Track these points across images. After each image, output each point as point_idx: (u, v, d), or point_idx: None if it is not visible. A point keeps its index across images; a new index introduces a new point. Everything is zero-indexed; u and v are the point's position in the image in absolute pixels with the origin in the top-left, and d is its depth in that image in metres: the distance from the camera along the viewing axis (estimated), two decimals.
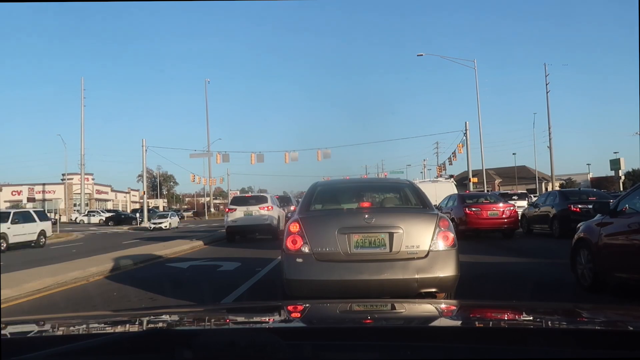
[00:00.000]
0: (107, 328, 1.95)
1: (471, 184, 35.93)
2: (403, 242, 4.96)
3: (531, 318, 1.98)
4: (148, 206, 48.86)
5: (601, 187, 47.52)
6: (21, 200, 61.31)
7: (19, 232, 19.95)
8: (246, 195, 23.99)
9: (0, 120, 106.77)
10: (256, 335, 1.56)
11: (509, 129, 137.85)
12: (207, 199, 75.56)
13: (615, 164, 41.38)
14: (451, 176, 29.13)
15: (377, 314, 2.10)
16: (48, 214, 26.66)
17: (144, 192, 46.01)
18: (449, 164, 40.19)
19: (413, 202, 6.00)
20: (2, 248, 18.82)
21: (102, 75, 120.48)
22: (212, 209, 72.55)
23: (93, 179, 73.03)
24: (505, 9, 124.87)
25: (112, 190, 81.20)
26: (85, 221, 52.41)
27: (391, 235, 4.99)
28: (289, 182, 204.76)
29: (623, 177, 44.65)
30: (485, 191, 34.05)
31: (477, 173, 43.11)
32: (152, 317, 2.22)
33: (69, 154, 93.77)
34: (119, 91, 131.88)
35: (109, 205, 74.07)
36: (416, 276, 4.87)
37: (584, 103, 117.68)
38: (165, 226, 35.34)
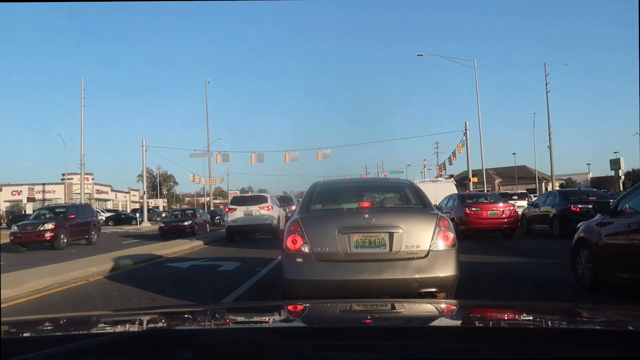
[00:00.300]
0: (107, 328, 1.95)
1: (471, 183, 35.91)
2: (403, 242, 4.97)
3: (531, 318, 1.98)
4: (148, 206, 48.85)
5: (601, 187, 47.51)
6: (21, 200, 61.37)
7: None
8: (246, 195, 24.00)
9: (0, 120, 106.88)
10: (256, 335, 1.55)
11: (509, 129, 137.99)
12: (207, 198, 75.50)
13: (615, 163, 41.32)
14: (451, 176, 29.02)
15: (377, 314, 2.10)
16: None
17: (144, 192, 46.02)
18: (449, 164, 40.17)
19: (413, 202, 6.01)
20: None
21: (103, 75, 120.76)
22: (212, 209, 72.75)
23: (93, 179, 72.75)
24: (505, 9, 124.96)
25: (112, 190, 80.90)
26: None
27: (391, 235, 5.00)
28: (289, 182, 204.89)
29: (623, 177, 44.61)
30: (485, 191, 34.06)
31: (477, 173, 43.14)
32: (152, 317, 2.22)
33: (69, 153, 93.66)
34: (119, 91, 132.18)
35: (109, 205, 73.99)
36: (416, 276, 4.88)
37: (584, 103, 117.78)
38: None
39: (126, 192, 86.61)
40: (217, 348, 1.33)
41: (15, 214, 50.00)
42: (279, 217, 18.58)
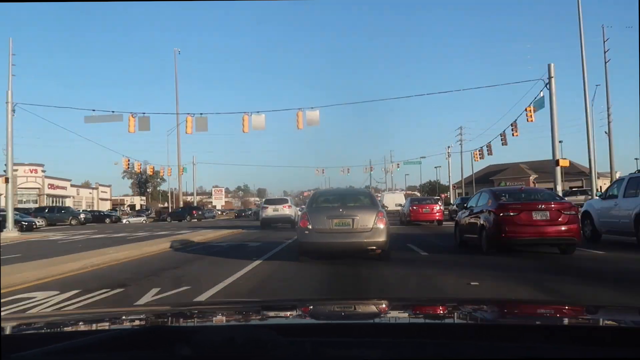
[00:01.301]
0: (106, 325, 2.09)
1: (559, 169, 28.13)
2: (359, 223, 10.69)
3: (532, 316, 2.14)
4: (124, 203, 48.11)
5: None
6: None
7: None
8: (274, 198, 39.26)
9: None
10: (256, 331, 1.66)
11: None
12: (190, 198, 70.83)
13: None
14: (402, 190, 38.48)
15: (379, 311, 2.28)
16: None
17: (113, 187, 45.62)
18: (488, 154, 42.43)
19: (367, 203, 11.96)
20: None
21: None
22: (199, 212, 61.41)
23: (44, 171, 66.02)
24: None
25: (72, 185, 74.23)
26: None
27: (353, 219, 10.73)
28: (287, 181, 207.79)
29: None
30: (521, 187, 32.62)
31: (505, 168, 42.21)
32: (151, 313, 2.40)
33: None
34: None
35: (68, 203, 67.23)
36: (365, 240, 10.59)
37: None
38: None
39: (93, 188, 78.75)
40: (217, 345, 1.42)
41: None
42: (295, 212, 29.94)
